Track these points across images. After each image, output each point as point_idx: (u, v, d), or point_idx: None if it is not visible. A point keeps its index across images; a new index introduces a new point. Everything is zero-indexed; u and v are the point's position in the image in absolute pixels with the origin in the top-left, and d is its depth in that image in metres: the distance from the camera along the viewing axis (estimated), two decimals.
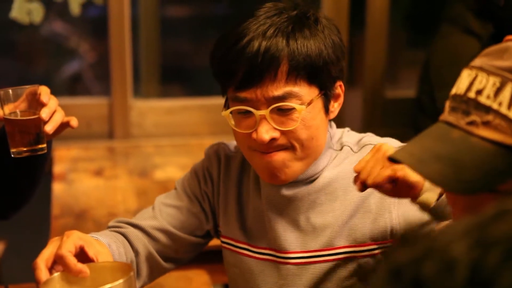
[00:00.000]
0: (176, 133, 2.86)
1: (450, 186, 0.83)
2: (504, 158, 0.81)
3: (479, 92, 0.85)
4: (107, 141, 2.81)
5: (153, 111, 2.86)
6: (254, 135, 1.26)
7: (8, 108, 1.36)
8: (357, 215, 1.31)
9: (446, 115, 0.89)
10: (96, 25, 3.01)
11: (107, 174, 2.41)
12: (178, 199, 1.43)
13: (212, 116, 2.80)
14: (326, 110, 1.30)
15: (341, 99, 1.34)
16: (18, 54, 3.07)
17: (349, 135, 1.37)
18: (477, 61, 0.88)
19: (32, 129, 1.36)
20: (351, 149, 1.35)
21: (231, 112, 1.29)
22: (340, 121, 1.44)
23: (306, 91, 1.26)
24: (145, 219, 1.41)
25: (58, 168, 2.43)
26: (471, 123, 0.84)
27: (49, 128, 1.35)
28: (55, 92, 1.40)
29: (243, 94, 1.26)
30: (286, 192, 1.33)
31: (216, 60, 1.30)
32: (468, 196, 0.86)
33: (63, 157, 2.55)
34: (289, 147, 1.27)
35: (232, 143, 1.42)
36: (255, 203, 1.38)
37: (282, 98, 1.24)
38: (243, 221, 1.40)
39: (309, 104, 1.26)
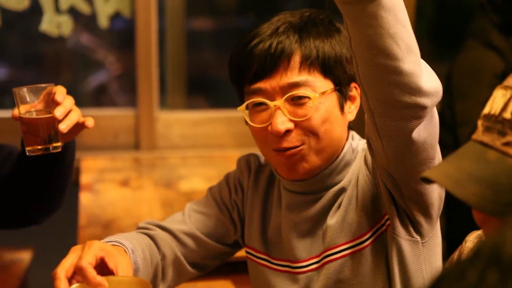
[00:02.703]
0: (201, 144, 2.88)
1: (488, 209, 0.82)
2: None
3: None
4: (133, 152, 2.84)
5: (178, 122, 2.89)
6: (269, 128, 1.26)
7: (24, 108, 1.36)
8: (351, 207, 1.32)
9: (480, 135, 0.88)
10: (122, 37, 3.04)
11: (133, 184, 2.43)
12: (208, 206, 1.44)
13: (237, 128, 2.81)
14: (341, 108, 1.30)
15: (358, 102, 1.34)
16: (46, 66, 3.11)
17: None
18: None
19: (46, 128, 1.36)
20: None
21: (247, 108, 1.31)
22: (362, 134, 1.44)
23: (320, 83, 1.27)
24: (175, 223, 1.42)
25: (85, 178, 2.46)
26: (507, 144, 0.83)
27: (63, 126, 1.34)
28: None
29: (258, 85, 1.27)
30: (305, 200, 1.34)
31: (232, 60, 1.33)
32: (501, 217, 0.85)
33: (90, 168, 2.58)
34: (304, 143, 1.28)
35: None
36: (277, 214, 1.39)
37: (296, 85, 1.25)
38: (265, 232, 1.41)
39: (323, 94, 1.27)
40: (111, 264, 1.19)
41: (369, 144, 1.24)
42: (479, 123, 0.90)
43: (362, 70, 1.11)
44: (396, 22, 1.05)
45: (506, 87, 0.87)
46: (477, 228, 1.05)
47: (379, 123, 1.15)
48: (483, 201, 0.82)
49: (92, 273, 1.14)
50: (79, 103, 1.40)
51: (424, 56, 1.13)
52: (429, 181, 0.88)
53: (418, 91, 1.09)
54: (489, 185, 0.82)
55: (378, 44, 1.06)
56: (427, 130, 1.16)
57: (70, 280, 1.16)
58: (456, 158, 0.89)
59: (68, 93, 1.38)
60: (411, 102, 1.09)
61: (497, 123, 0.86)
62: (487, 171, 0.84)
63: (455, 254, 1.11)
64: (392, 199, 1.27)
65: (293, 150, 1.27)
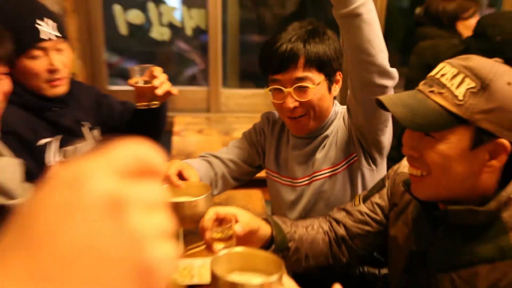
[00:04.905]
0: (248, 110, 2.84)
1: (405, 123, 0.85)
2: (443, 117, 0.84)
3: (442, 75, 0.87)
4: (206, 114, 2.82)
5: (234, 96, 2.85)
6: (284, 105, 1.26)
7: (135, 79, 1.34)
8: (332, 147, 1.32)
9: (419, 85, 0.91)
10: (206, 45, 3.00)
11: (205, 133, 2.43)
12: (242, 143, 1.46)
13: (269, 101, 2.79)
14: (329, 90, 1.30)
15: (340, 83, 1.32)
16: (157, 62, 3.11)
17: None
18: (451, 59, 0.90)
19: (148, 92, 1.34)
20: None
21: (270, 90, 1.30)
22: (341, 101, 1.43)
23: (316, 76, 1.25)
24: (223, 153, 1.45)
25: (176, 128, 2.49)
26: (431, 91, 0.86)
27: (159, 91, 1.31)
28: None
29: (277, 76, 1.26)
30: (303, 142, 1.36)
31: (261, 56, 1.31)
32: (414, 134, 0.90)
33: (180, 122, 2.61)
34: (306, 114, 1.29)
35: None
36: (285, 150, 1.41)
37: (301, 79, 1.24)
38: (277, 160, 1.42)
39: (318, 84, 1.25)
40: (186, 174, 1.20)
41: (348, 111, 1.25)
42: (423, 81, 0.92)
43: (350, 63, 1.12)
44: (372, 31, 1.06)
45: (446, 62, 0.89)
46: None
47: (359, 97, 1.16)
48: (404, 117, 0.85)
49: (175, 178, 1.16)
50: (179, 85, 1.37)
51: (394, 64, 1.14)
52: (380, 103, 0.91)
53: (385, 77, 1.10)
54: (411, 110, 0.86)
55: (360, 46, 1.07)
56: None
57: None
58: (401, 93, 0.92)
59: (170, 80, 1.37)
60: (379, 83, 1.11)
61: (431, 79, 0.89)
62: (413, 103, 0.87)
63: (395, 167, 1.14)
64: (360, 144, 1.30)
65: (298, 119, 1.28)
